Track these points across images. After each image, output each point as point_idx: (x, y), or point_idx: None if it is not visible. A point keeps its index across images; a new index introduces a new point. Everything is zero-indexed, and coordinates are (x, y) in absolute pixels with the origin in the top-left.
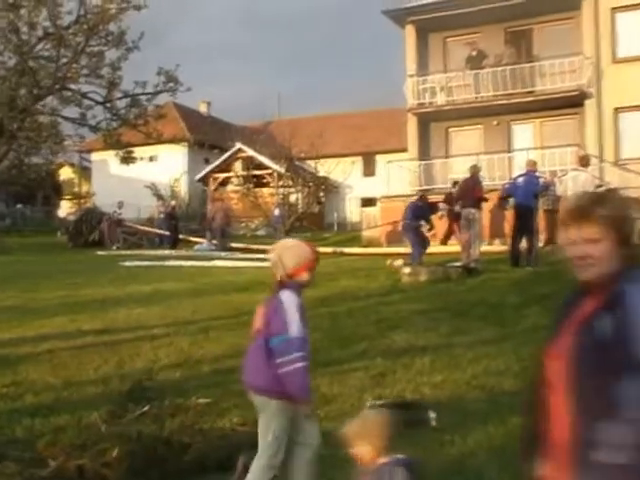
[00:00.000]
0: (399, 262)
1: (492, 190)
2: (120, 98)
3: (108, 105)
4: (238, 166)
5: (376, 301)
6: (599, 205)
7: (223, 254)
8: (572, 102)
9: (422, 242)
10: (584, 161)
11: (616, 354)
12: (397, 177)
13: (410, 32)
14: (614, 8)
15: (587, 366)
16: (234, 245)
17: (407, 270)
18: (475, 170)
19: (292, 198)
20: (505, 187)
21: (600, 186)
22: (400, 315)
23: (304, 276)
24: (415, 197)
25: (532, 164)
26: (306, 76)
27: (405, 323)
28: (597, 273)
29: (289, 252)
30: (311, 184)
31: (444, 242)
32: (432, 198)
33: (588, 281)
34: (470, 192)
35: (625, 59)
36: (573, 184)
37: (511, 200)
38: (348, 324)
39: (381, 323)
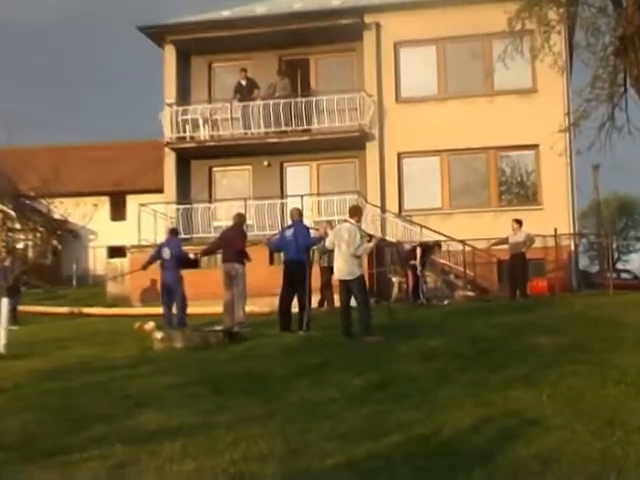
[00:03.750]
0: (150, 325)
1: (257, 243)
2: None
3: None
4: None
5: (120, 373)
6: None
7: None
8: (353, 143)
9: (183, 297)
10: (353, 212)
11: None
12: (150, 223)
13: (170, 53)
14: (397, 42)
15: None
16: None
17: (159, 335)
18: (240, 219)
19: (20, 245)
20: (272, 239)
21: (369, 241)
22: (150, 390)
23: None
24: (175, 236)
25: (296, 213)
26: (45, 99)
27: (155, 400)
28: None
29: None
30: (43, 229)
31: None
32: (191, 249)
33: None
34: (232, 244)
35: (410, 99)
36: (346, 237)
37: (281, 255)
38: (83, 402)
39: (126, 400)
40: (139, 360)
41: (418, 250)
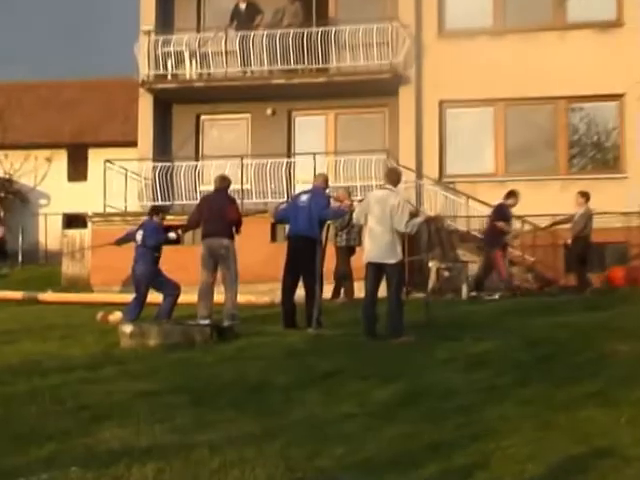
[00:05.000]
0: (117, 316)
1: (262, 212)
2: None
3: None
4: None
5: (77, 377)
6: None
7: None
8: (382, 88)
9: (170, 285)
10: (392, 177)
11: None
12: (120, 185)
13: None
14: None
15: None
16: None
17: (129, 329)
18: (224, 182)
19: None
20: (279, 208)
21: (415, 215)
22: (114, 399)
23: None
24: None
25: (322, 179)
26: None
27: (121, 412)
28: None
29: None
30: None
31: None
32: (172, 221)
33: None
34: (221, 214)
35: (457, 32)
36: (379, 209)
37: (287, 228)
38: (29, 413)
39: (83, 411)
40: (101, 360)
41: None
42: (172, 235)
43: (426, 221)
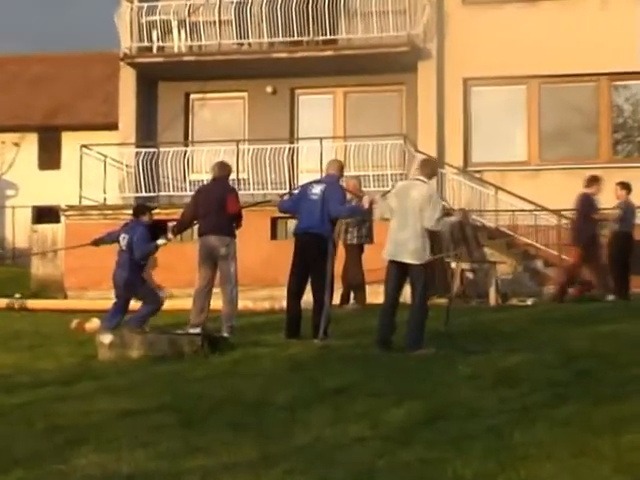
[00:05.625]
0: (94, 323)
1: (264, 202)
2: None
3: None
4: None
5: (49, 394)
6: None
7: None
8: (398, 63)
9: (153, 297)
10: (427, 170)
11: None
12: (98, 174)
13: None
14: None
15: None
16: None
17: (108, 339)
18: (223, 170)
19: None
20: (283, 200)
21: (448, 214)
22: (91, 420)
23: None
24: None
25: (337, 166)
26: None
27: (99, 434)
28: None
29: None
30: None
31: None
32: (158, 215)
33: None
34: (221, 207)
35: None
36: (408, 203)
37: (290, 224)
38: None
39: (55, 434)
40: (77, 374)
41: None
42: (162, 242)
43: (460, 223)
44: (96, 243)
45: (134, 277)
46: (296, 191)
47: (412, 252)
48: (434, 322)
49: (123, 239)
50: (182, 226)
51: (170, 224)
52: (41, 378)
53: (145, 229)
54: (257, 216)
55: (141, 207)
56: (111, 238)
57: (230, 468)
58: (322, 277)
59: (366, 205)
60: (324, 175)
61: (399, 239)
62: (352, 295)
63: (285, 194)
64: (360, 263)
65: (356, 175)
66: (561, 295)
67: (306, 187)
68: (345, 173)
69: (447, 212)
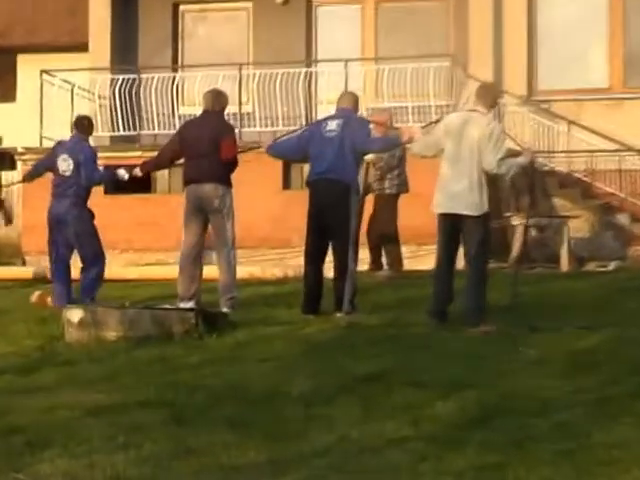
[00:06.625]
0: None
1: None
2: None
3: None
4: None
5: (4, 385)
6: None
7: None
8: None
9: (99, 249)
10: (486, 97)
11: None
12: (63, 107)
13: None
14: None
15: None
16: None
17: (77, 316)
18: (219, 100)
19: None
20: (276, 141)
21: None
22: (57, 417)
23: None
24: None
25: (351, 100)
26: None
27: (67, 435)
28: None
29: None
30: None
31: None
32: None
33: None
34: (214, 148)
35: None
36: (461, 139)
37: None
38: None
39: (12, 435)
40: (38, 360)
41: None
42: (122, 173)
43: (530, 164)
44: (26, 179)
45: (85, 212)
46: (299, 131)
47: (466, 201)
48: (493, 293)
49: (64, 161)
50: (156, 165)
51: (120, 171)
52: None
53: (90, 147)
54: (265, 159)
55: (82, 119)
56: (45, 165)
57: (230, 475)
58: (345, 236)
59: (405, 137)
60: (335, 111)
61: (453, 190)
62: (385, 259)
63: (287, 134)
64: (396, 217)
65: (390, 106)
66: None
67: (317, 124)
68: (376, 105)
69: (512, 152)
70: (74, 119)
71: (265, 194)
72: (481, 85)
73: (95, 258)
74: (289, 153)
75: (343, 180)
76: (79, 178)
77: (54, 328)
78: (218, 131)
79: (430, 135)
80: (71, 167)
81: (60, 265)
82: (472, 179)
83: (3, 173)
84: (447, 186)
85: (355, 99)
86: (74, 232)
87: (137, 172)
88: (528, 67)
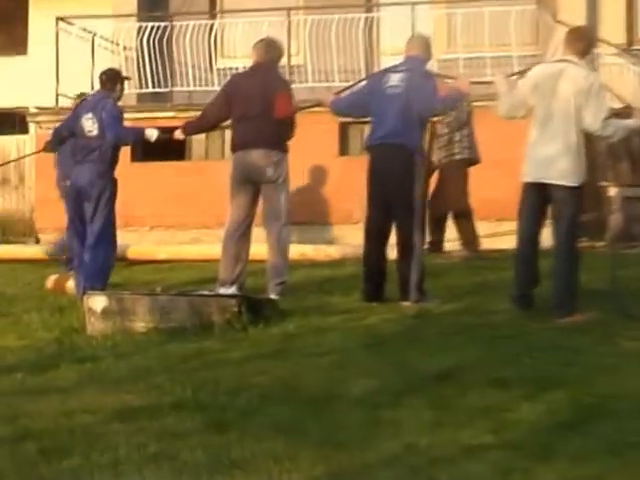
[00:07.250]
0: None
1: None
2: None
3: None
4: None
5: (16, 384)
6: None
7: None
8: None
9: (112, 231)
10: (577, 43)
11: None
12: (83, 61)
13: None
14: None
15: None
16: None
17: (101, 304)
18: (271, 53)
19: None
20: (339, 97)
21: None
22: (76, 422)
23: None
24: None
25: (421, 46)
26: None
27: (88, 443)
28: None
29: None
30: None
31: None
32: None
33: None
34: (266, 108)
35: None
36: (554, 96)
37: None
38: None
39: (25, 442)
40: (55, 356)
41: None
42: (150, 133)
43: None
44: (50, 148)
45: (111, 185)
46: (361, 84)
47: (563, 170)
48: (588, 275)
49: (88, 120)
50: (200, 127)
51: (148, 130)
52: (4, 362)
53: (115, 105)
54: (319, 121)
55: (110, 73)
56: (69, 127)
57: None
58: (409, 209)
59: (465, 87)
60: (404, 59)
61: (544, 155)
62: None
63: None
64: (466, 188)
65: (465, 58)
66: None
67: (378, 77)
68: (445, 56)
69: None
70: (101, 74)
71: (320, 161)
72: (572, 29)
73: (107, 237)
74: (352, 110)
75: (407, 145)
76: (104, 140)
77: (73, 318)
78: (272, 87)
79: (515, 92)
80: (96, 126)
81: (80, 246)
82: (567, 142)
83: (14, 138)
84: (536, 151)
85: (425, 44)
86: (93, 206)
87: (179, 135)
88: (627, 12)
